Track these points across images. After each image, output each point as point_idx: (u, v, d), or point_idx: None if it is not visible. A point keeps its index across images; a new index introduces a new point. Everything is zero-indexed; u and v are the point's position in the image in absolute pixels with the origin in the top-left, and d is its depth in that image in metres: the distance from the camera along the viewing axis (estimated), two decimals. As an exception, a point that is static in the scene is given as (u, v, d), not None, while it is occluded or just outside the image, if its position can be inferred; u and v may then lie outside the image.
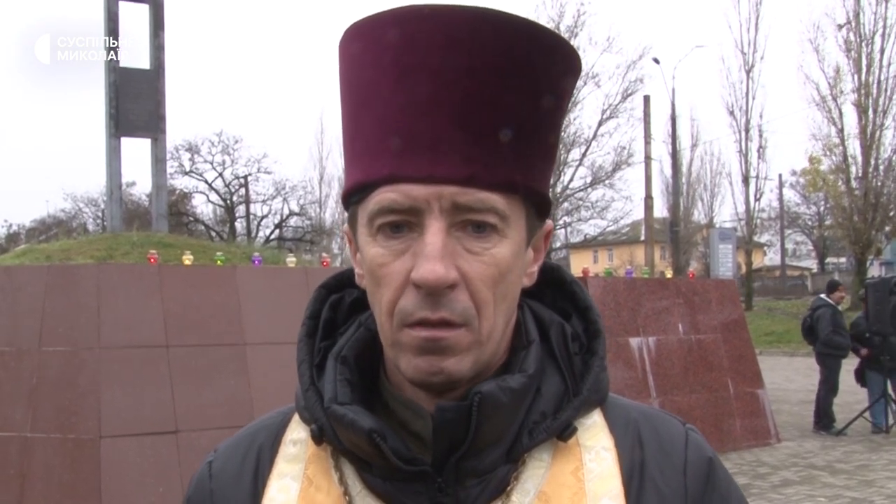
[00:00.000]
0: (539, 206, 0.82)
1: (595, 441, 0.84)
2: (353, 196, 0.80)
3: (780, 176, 39.88)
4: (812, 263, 51.56)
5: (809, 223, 46.74)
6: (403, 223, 0.76)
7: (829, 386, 10.56)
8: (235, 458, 0.89)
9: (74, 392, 6.03)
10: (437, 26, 0.73)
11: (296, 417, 0.88)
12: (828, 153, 26.85)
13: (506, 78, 0.74)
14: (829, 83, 26.08)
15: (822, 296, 11.04)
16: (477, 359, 0.77)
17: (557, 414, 0.82)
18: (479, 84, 0.74)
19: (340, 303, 0.90)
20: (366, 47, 0.77)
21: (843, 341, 10.43)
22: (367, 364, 0.85)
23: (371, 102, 0.76)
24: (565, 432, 0.82)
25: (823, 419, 10.58)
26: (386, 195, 0.76)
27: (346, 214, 0.85)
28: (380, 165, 0.76)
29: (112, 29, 9.40)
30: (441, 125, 0.74)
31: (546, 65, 0.76)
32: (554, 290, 0.90)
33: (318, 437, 0.83)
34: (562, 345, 0.86)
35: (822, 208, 42.61)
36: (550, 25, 24.84)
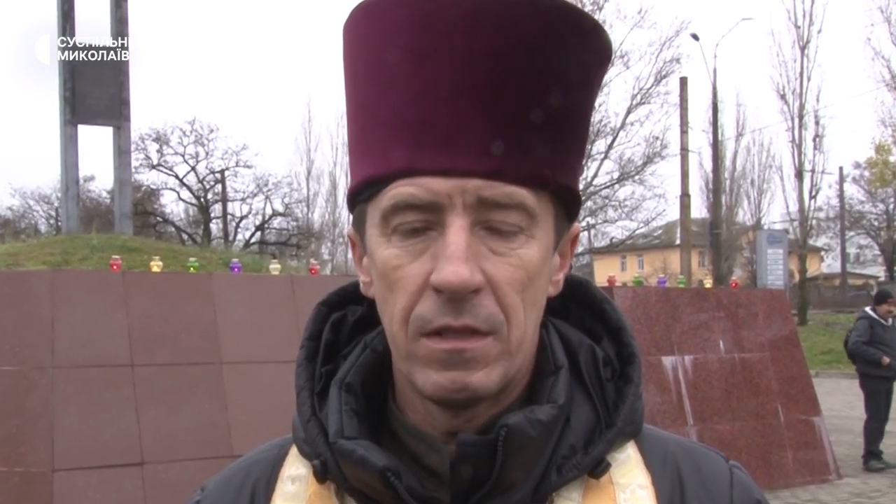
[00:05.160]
0: (568, 205, 0.84)
1: (630, 478, 0.86)
2: (361, 193, 0.82)
3: (840, 169, 39.86)
4: (879, 271, 51.36)
5: (875, 224, 46.58)
6: (422, 224, 0.77)
7: (871, 411, 10.52)
8: (226, 497, 0.91)
9: (23, 418, 6.05)
10: (460, 2, 0.75)
11: (294, 451, 0.90)
12: (899, 142, 26.77)
13: (536, 61, 0.76)
14: (902, 60, 25.95)
15: (868, 308, 10.99)
16: (506, 372, 0.79)
17: (588, 448, 0.84)
18: (505, 67, 0.76)
19: (343, 322, 0.92)
20: (378, 27, 0.78)
21: (874, 353, 10.27)
22: (373, 389, 0.87)
23: (384, 89, 0.78)
24: (597, 469, 0.84)
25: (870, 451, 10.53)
26: (403, 189, 0.77)
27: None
28: (395, 158, 0.77)
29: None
30: (464, 113, 0.76)
31: (580, 49, 0.79)
32: (581, 308, 0.93)
33: (322, 475, 0.84)
34: (592, 370, 0.88)
35: (891, 206, 42.54)
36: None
